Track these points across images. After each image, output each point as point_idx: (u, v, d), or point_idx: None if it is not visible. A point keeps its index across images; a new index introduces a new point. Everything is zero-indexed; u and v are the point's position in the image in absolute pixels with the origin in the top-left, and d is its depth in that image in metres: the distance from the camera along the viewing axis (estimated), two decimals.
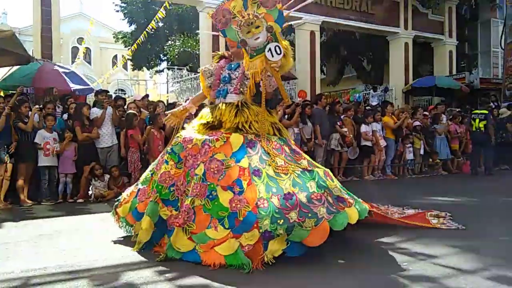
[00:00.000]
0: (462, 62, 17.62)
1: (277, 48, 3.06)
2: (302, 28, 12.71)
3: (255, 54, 3.14)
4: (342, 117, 8.68)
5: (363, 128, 8.70)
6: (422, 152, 9.50)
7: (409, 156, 9.29)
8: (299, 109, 7.76)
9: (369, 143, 8.70)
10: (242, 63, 3.40)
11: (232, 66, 3.50)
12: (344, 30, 15.18)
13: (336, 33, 16.97)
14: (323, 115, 8.41)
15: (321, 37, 17.45)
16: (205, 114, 3.45)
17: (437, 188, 7.14)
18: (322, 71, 19.43)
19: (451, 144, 10.03)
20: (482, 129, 9.03)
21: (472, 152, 9.70)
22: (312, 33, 12.76)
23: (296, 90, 12.69)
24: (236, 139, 3.10)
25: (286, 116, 8.32)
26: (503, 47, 14.46)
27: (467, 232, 3.75)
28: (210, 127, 3.32)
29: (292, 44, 14.47)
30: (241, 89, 3.38)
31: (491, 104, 12.55)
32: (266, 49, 3.07)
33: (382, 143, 8.83)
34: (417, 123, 9.53)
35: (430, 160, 9.67)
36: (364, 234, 3.51)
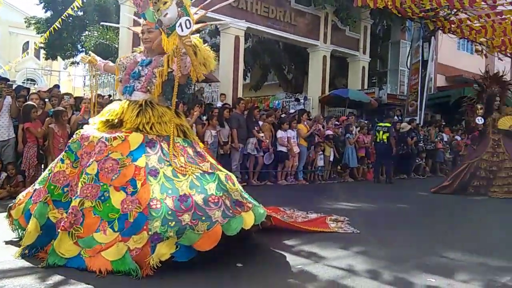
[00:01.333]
0: (373, 78, 18.91)
1: (187, 22, 2.93)
2: (227, 32, 12.73)
3: (170, 32, 2.99)
4: (260, 122, 8.77)
5: (279, 134, 8.88)
6: (331, 159, 9.94)
7: (320, 163, 9.67)
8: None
9: (284, 149, 8.90)
10: (155, 59, 3.25)
11: (144, 61, 3.32)
12: (268, 38, 15.48)
13: (261, 40, 17.28)
14: (241, 119, 8.44)
15: (246, 42, 17.67)
16: (106, 111, 3.23)
17: (342, 194, 7.49)
18: (246, 76, 19.68)
19: (358, 153, 10.64)
20: (385, 140, 9.72)
21: (375, 161, 10.37)
22: (237, 38, 12.83)
23: (218, 93, 12.64)
24: (135, 138, 2.95)
25: (205, 117, 8.24)
26: (408, 67, 15.76)
27: (361, 236, 3.96)
28: (111, 125, 3.11)
29: (217, 46, 14.46)
30: (148, 87, 3.22)
31: (396, 118, 13.62)
32: (177, 24, 2.94)
33: (296, 149, 9.09)
34: (329, 132, 9.97)
35: (339, 167, 10.16)
36: (266, 238, 3.53)
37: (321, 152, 9.70)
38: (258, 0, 13.23)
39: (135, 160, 2.81)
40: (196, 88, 12.47)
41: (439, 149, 12.32)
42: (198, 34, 3.26)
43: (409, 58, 15.60)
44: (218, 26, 13.63)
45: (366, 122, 12.75)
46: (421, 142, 11.72)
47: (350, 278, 2.72)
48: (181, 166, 2.88)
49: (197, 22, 3.29)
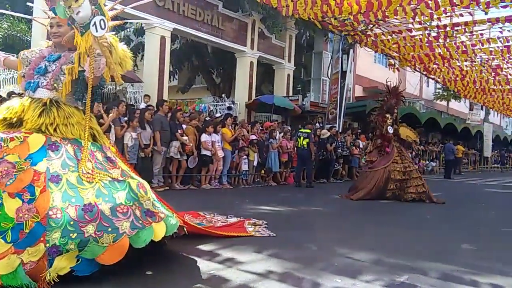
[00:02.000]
0: (297, 86, 19.55)
1: (102, 22, 2.76)
2: (152, 32, 12.35)
3: (84, 30, 2.78)
4: (184, 126, 8.61)
5: (204, 137, 8.80)
6: (255, 164, 10.08)
7: (244, 167, 9.75)
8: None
9: (208, 153, 8.83)
10: (64, 55, 3.01)
11: (52, 57, 3.05)
12: (197, 41, 15.32)
13: (189, 42, 17.05)
14: (164, 121, 8.22)
15: (174, 43, 17.33)
16: (4, 109, 2.92)
17: (264, 198, 7.62)
18: (173, 77, 19.31)
19: (281, 157, 10.91)
20: (305, 146, 10.10)
21: (297, 166, 10.72)
22: (163, 38, 12.50)
23: (142, 94, 12.20)
24: (36, 139, 2.69)
25: (126, 119, 7.89)
26: (329, 77, 16.53)
27: (277, 239, 4.03)
28: (8, 124, 2.81)
29: (143, 46, 13.96)
30: (55, 84, 2.96)
31: (317, 125, 14.19)
32: (91, 24, 2.75)
33: (220, 153, 9.07)
34: (253, 136, 10.09)
35: (262, 171, 10.32)
36: (179, 244, 3.44)
37: (245, 157, 9.79)
38: (186, 1, 13.03)
39: (34, 164, 2.56)
40: (117, 88, 11.91)
41: (354, 155, 13.07)
42: (113, 32, 3.10)
43: (329, 69, 16.38)
44: (143, 26, 13.18)
45: (289, 128, 13.15)
46: (340, 148, 12.34)
47: (260, 282, 2.75)
48: (88, 173, 2.69)
49: (115, 19, 3.14)
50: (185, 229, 3.19)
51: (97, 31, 2.75)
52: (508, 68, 14.31)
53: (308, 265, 3.18)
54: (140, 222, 2.62)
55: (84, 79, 2.95)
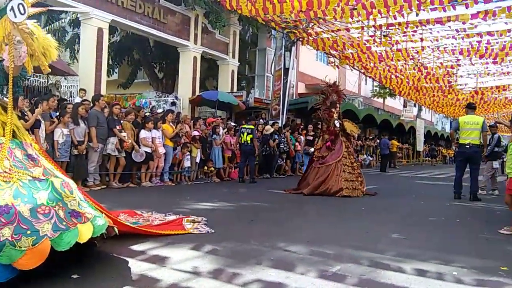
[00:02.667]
0: (242, 82, 19.62)
1: (20, 6, 2.54)
2: (89, 23, 11.74)
3: (0, 15, 2.55)
4: (122, 121, 8.29)
5: (143, 134, 8.54)
6: (198, 160, 9.95)
7: (187, 163, 9.59)
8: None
9: (148, 150, 8.58)
10: None
11: None
12: (138, 34, 14.81)
13: (130, 35, 16.46)
14: (101, 117, 7.85)
15: (113, 36, 16.64)
16: None
17: (206, 194, 7.55)
18: (113, 71, 18.57)
19: (225, 153, 10.87)
20: (249, 142, 10.19)
21: (240, 162, 10.75)
22: (100, 30, 11.94)
23: (78, 88, 11.57)
24: None
25: (57, 113, 7.43)
26: (273, 73, 16.72)
27: (215, 235, 4.00)
28: None
29: (79, 37, 13.23)
30: None
31: (261, 121, 14.34)
32: (8, 8, 2.52)
33: (161, 150, 8.84)
34: (196, 132, 9.95)
35: (205, 167, 10.22)
36: (110, 244, 3.29)
37: (188, 153, 9.62)
38: None
39: None
40: (50, 82, 11.20)
41: (297, 151, 13.34)
42: (35, 20, 2.87)
43: (273, 65, 16.57)
44: (79, 16, 12.49)
45: (233, 124, 13.12)
46: (282, 144, 12.52)
47: (194, 279, 2.70)
48: (5, 172, 2.48)
49: (38, 5, 2.91)
50: (115, 229, 3.05)
51: (15, 16, 2.55)
52: (436, 67, 15.30)
53: (244, 260, 3.18)
54: (64, 223, 2.47)
55: (3, 69, 2.73)
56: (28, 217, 2.35)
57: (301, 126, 14.89)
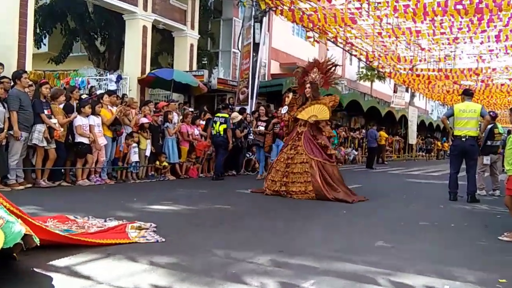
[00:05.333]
0: (203, 59, 19.45)
1: None
2: None
3: None
4: (51, 104, 8.02)
5: (79, 121, 8.31)
6: (148, 153, 9.81)
7: (134, 157, 9.43)
8: None
9: (85, 140, 8.38)
10: None
11: None
12: None
13: None
14: (24, 98, 7.56)
15: None
16: None
17: (158, 195, 7.47)
18: (41, 42, 18.02)
19: (181, 146, 10.77)
20: (222, 133, 10.33)
21: (216, 156, 10.80)
22: None
23: None
24: None
25: None
26: (240, 49, 16.65)
27: (167, 245, 3.96)
28: None
29: None
30: None
31: (237, 108, 14.33)
32: None
33: (102, 141, 8.66)
34: (144, 120, 9.78)
35: (157, 163, 10.10)
36: (37, 257, 3.20)
37: (135, 145, 9.46)
38: None
39: None
40: None
41: None
42: None
43: (240, 39, 16.50)
44: None
45: (191, 110, 13.01)
46: (251, 134, 12.44)
47: None
48: None
49: None
50: (35, 239, 2.94)
51: None
52: (432, 46, 15.70)
53: (200, 274, 3.16)
54: None
55: None
56: None
57: (275, 114, 14.94)
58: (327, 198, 7.46)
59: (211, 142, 10.94)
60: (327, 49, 16.17)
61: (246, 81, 15.30)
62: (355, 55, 18.79)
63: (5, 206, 2.86)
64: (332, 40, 15.48)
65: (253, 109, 14.36)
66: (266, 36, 16.84)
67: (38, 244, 2.97)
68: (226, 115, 10.69)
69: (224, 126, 10.45)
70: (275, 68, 23.41)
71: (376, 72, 28.38)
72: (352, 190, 8.16)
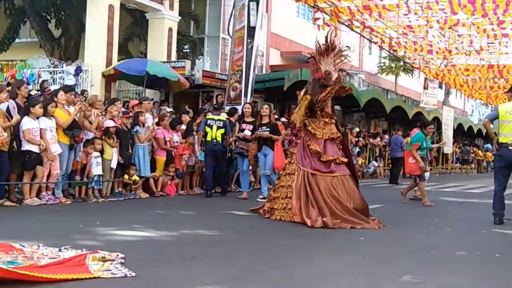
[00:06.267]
0: (185, 47, 19.52)
1: None
2: None
3: None
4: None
5: (27, 123, 8.32)
6: (114, 165, 9.83)
7: (96, 170, 9.43)
8: None
9: (35, 148, 8.38)
10: None
11: None
12: None
13: None
14: None
15: None
16: None
17: (127, 217, 7.51)
18: None
19: (155, 155, 10.81)
20: (219, 139, 10.52)
21: (205, 166, 10.96)
22: None
23: None
24: None
25: None
26: (231, 35, 16.69)
27: (138, 281, 3.96)
28: None
29: None
30: None
31: (227, 108, 14.34)
32: None
33: (55, 149, 8.67)
34: (110, 123, 9.80)
35: (126, 177, 10.10)
36: None
37: (97, 154, 9.47)
38: None
39: None
40: None
41: None
42: None
43: (231, 22, 16.55)
44: None
45: (170, 110, 13.05)
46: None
47: None
48: None
49: None
50: None
51: None
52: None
53: None
54: None
55: None
56: None
57: (275, 116, 14.96)
58: (304, 222, 7.32)
59: (205, 151, 11.02)
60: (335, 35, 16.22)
61: (239, 75, 15.33)
62: (376, 43, 18.84)
63: None
64: (346, 23, 15.52)
65: None
66: (264, 19, 16.87)
67: None
68: (223, 118, 10.86)
69: (222, 131, 10.63)
70: (275, 58, 23.48)
71: (401, 63, 28.49)
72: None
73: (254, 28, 15.20)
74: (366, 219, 7.60)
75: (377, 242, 6.40)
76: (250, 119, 11.11)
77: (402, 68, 30.69)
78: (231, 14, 16.79)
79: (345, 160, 8.06)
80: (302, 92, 8.68)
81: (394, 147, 18.96)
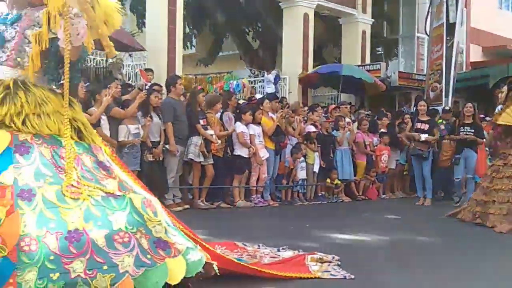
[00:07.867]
0: (378, 49, 19.24)
1: None
2: None
3: None
4: (206, 113, 8.64)
5: (240, 128, 8.77)
6: (316, 169, 10.00)
7: (301, 174, 9.67)
8: (141, 95, 7.56)
9: (244, 153, 8.82)
10: (27, 14, 3.05)
11: (8, 19, 3.11)
12: None
13: None
14: (179, 108, 8.29)
15: None
16: None
17: (335, 220, 7.61)
18: (190, 43, 19.45)
19: (356, 159, 10.81)
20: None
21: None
22: None
23: (143, 68, 12.32)
24: None
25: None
26: (428, 33, 16.09)
27: (356, 283, 3.95)
28: None
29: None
30: (19, 59, 3.02)
31: (403, 109, 13.95)
32: None
33: (264, 154, 9.04)
34: (311, 128, 9.98)
35: (328, 180, 10.23)
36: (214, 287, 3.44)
37: (302, 159, 9.70)
38: None
39: None
40: (110, 61, 12.13)
41: None
42: None
43: (428, 20, 15.92)
44: None
45: (368, 114, 12.94)
46: None
47: None
48: (72, 185, 2.73)
49: None
50: (215, 267, 3.18)
51: None
52: None
53: None
54: (149, 256, 2.64)
55: (57, 51, 3.00)
56: (104, 247, 2.56)
57: (482, 115, 13.99)
58: None
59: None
60: None
61: (438, 74, 14.74)
62: None
63: (182, 230, 3.14)
64: None
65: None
66: (463, 14, 16.03)
67: (218, 274, 3.20)
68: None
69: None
70: (476, 54, 22.13)
71: None
72: None
73: (453, 24, 14.56)
74: None
75: None
76: (425, 118, 10.30)
77: None
78: (428, 12, 16.17)
79: None
80: (505, 89, 7.95)
81: None
